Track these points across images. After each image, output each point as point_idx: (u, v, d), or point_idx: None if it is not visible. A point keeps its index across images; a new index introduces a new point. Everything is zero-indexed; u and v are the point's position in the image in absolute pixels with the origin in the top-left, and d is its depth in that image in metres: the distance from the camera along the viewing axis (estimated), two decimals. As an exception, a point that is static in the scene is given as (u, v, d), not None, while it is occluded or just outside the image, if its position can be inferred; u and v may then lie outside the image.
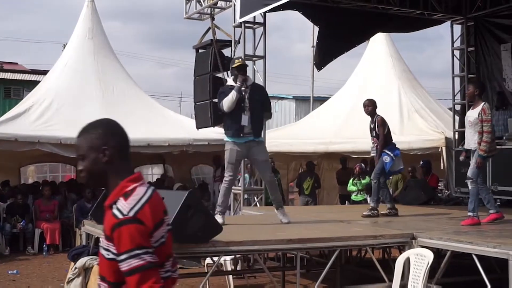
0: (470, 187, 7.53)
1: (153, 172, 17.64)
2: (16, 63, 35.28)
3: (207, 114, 11.21)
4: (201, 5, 12.01)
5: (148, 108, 14.98)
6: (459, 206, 10.37)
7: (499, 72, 12.29)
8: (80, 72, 14.55)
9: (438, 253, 6.91)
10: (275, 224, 7.43)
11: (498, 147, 8.12)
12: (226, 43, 11.41)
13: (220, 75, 11.29)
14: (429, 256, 5.84)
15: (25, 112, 13.51)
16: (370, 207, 8.66)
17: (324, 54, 12.79)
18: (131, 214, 2.29)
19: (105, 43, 15.52)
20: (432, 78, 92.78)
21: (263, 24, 10.73)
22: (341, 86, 17.14)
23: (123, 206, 2.31)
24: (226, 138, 7.50)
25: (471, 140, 7.55)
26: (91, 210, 7.57)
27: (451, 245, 6.11)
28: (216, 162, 14.78)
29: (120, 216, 2.29)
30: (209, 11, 12.01)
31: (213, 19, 11.89)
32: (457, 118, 12.84)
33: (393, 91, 14.52)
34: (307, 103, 30.78)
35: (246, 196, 10.82)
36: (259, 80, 10.27)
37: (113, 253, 2.32)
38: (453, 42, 13.03)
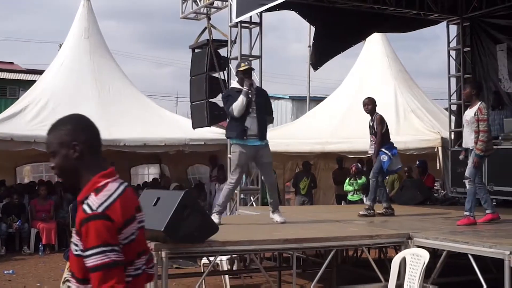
0: (467, 186, 7.55)
1: (149, 172, 17.61)
2: (12, 63, 35.18)
3: (203, 114, 11.22)
4: (197, 4, 12.01)
5: (144, 107, 14.96)
6: (455, 206, 10.38)
7: (494, 72, 12.31)
8: (76, 72, 14.53)
9: (434, 253, 6.92)
10: (271, 224, 7.43)
11: (494, 147, 8.13)
12: (222, 43, 11.41)
13: (216, 75, 11.30)
14: (425, 256, 5.84)
15: (21, 111, 13.48)
16: (367, 207, 8.68)
17: (320, 54, 12.80)
18: (100, 209, 2.28)
19: (101, 43, 15.49)
20: (428, 78, 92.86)
21: (259, 24, 10.74)
22: (338, 86, 17.16)
23: (93, 202, 2.30)
24: (232, 141, 7.49)
25: (469, 139, 7.58)
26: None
27: (447, 245, 6.12)
28: (213, 162, 14.78)
29: (89, 211, 2.28)
30: (205, 11, 12.01)
31: (209, 19, 11.89)
32: (453, 118, 12.86)
33: (389, 91, 14.52)
34: (304, 103, 30.77)
35: (242, 196, 10.83)
36: (255, 80, 10.26)
37: (80, 249, 2.31)
38: (449, 42, 13.05)
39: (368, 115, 8.80)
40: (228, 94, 7.50)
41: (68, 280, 2.29)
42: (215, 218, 7.07)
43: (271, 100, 8.97)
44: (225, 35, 11.40)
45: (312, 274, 7.04)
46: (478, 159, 7.38)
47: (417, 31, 13.46)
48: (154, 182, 15.32)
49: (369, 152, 8.93)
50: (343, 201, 13.76)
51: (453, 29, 13.04)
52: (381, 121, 8.64)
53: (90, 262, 2.25)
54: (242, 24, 10.73)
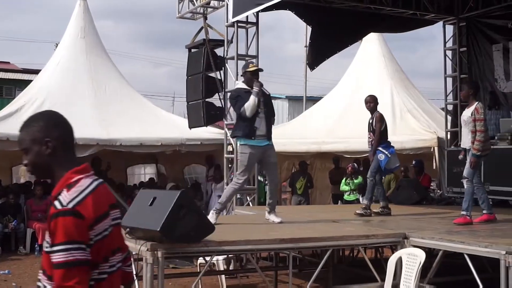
0: (465, 186, 7.57)
1: (146, 172, 17.59)
2: (8, 62, 35.14)
3: (200, 114, 11.21)
4: (193, 4, 12.00)
5: (141, 107, 14.94)
6: (451, 206, 10.41)
7: (491, 73, 12.33)
8: (72, 71, 14.50)
9: (430, 253, 6.93)
10: (267, 224, 7.43)
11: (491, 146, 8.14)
12: (219, 43, 11.40)
13: (212, 74, 11.29)
14: (421, 255, 5.85)
15: (17, 111, 13.44)
16: (364, 206, 8.68)
17: (317, 54, 12.80)
18: (70, 205, 2.27)
19: (97, 42, 15.46)
20: (425, 78, 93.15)
21: (256, 24, 10.73)
22: (334, 85, 17.17)
23: (64, 197, 2.29)
24: (240, 141, 7.47)
25: (466, 140, 7.62)
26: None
27: (443, 244, 6.12)
28: (209, 161, 14.77)
29: (59, 206, 2.28)
30: (201, 11, 12.00)
31: (205, 18, 11.88)
32: (449, 118, 12.88)
33: (385, 91, 14.53)
34: (300, 102, 30.82)
35: (238, 195, 10.82)
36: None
37: (49, 245, 2.30)
38: (445, 43, 13.07)
39: (369, 112, 8.83)
40: (237, 95, 7.47)
41: (40, 280, 2.27)
42: (212, 216, 7.08)
43: (269, 100, 8.96)
44: (221, 35, 11.40)
45: (308, 274, 7.04)
46: (475, 159, 7.40)
47: (413, 31, 13.48)
48: (151, 182, 15.30)
49: (368, 148, 8.93)
50: (339, 201, 13.77)
51: (450, 29, 13.06)
52: (381, 119, 8.67)
53: (54, 258, 2.24)
54: (239, 24, 10.72)
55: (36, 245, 11.99)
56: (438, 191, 12.73)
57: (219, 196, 13.01)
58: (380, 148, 8.58)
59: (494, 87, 12.16)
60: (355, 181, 12.94)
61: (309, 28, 13.36)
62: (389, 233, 6.80)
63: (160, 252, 5.33)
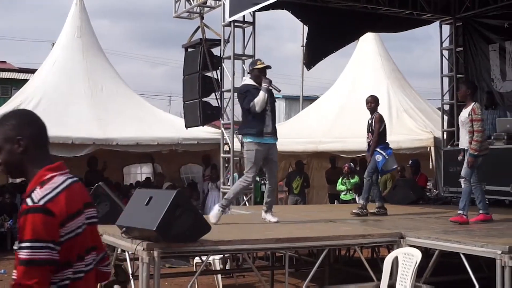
0: (463, 185, 7.60)
1: (142, 171, 17.57)
2: (5, 62, 35.06)
3: (196, 113, 11.22)
4: (190, 4, 12.00)
5: (137, 107, 14.93)
6: (448, 205, 10.42)
7: (487, 72, 12.35)
8: (68, 71, 14.48)
9: (427, 252, 6.93)
10: (264, 224, 7.42)
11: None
12: (216, 42, 11.41)
13: (209, 74, 11.29)
14: (417, 255, 5.85)
15: (13, 110, 13.42)
16: (360, 205, 8.69)
17: (314, 54, 12.80)
18: (41, 202, 2.26)
19: (93, 42, 15.45)
20: (421, 78, 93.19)
21: (253, 23, 10.74)
22: (331, 85, 17.17)
23: (36, 194, 2.28)
24: (247, 139, 7.45)
25: (464, 140, 7.63)
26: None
27: (439, 244, 6.13)
28: (206, 161, 14.76)
29: (30, 203, 2.27)
30: (198, 10, 12.00)
31: (202, 18, 11.88)
32: (445, 117, 12.90)
33: (382, 90, 14.51)
34: (297, 102, 30.82)
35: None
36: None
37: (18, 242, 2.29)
38: (441, 42, 13.08)
39: (368, 112, 8.84)
40: (246, 90, 7.42)
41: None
42: (217, 212, 7.16)
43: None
44: (218, 34, 11.39)
45: (304, 274, 7.05)
46: (472, 158, 7.42)
47: (410, 31, 13.50)
48: (147, 181, 15.29)
49: (367, 146, 8.94)
50: (336, 201, 13.77)
51: (446, 29, 13.08)
52: (380, 120, 8.69)
53: (20, 254, 2.22)
54: (235, 24, 10.73)
55: (32, 245, 11.97)
56: (435, 190, 12.73)
57: (216, 195, 13.04)
58: (378, 149, 8.59)
59: (490, 87, 12.18)
60: (352, 180, 12.94)
61: (306, 28, 13.38)
62: (385, 232, 6.80)
63: (156, 252, 5.32)
